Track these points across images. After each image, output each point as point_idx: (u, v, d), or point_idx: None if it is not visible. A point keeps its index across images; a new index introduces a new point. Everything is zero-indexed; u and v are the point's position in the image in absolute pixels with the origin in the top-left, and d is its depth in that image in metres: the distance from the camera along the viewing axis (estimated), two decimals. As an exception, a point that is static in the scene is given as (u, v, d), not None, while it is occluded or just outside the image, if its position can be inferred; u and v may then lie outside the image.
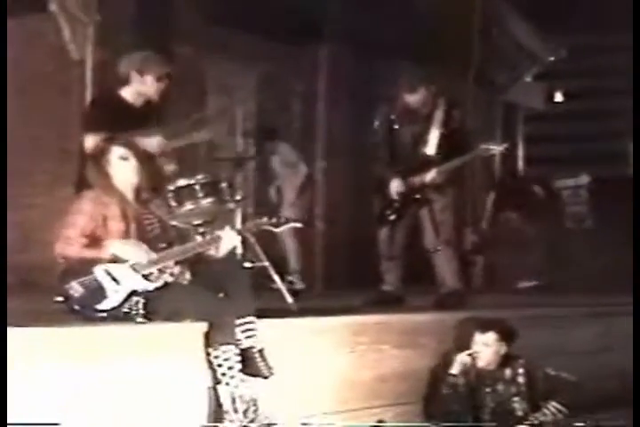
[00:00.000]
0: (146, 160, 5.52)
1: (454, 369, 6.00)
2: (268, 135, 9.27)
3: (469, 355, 6.02)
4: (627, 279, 7.61)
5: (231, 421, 5.04)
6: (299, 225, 5.76)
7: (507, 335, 6.06)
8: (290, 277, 8.47)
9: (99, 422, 4.71)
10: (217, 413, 5.10)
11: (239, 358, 5.11)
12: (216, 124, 8.02)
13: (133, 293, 5.14)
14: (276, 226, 5.57)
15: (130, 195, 5.43)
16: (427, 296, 7.51)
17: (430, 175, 7.23)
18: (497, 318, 6.28)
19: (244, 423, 5.03)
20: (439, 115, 7.31)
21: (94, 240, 5.21)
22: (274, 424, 5.14)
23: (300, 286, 8.64)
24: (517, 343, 6.12)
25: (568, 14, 12.39)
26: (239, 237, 5.56)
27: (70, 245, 5.18)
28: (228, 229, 5.53)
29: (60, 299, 5.12)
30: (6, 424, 4.19)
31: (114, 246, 5.18)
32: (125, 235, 5.27)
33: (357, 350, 6.00)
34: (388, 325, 6.33)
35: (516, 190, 12.67)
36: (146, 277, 5.19)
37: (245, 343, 5.17)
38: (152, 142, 6.20)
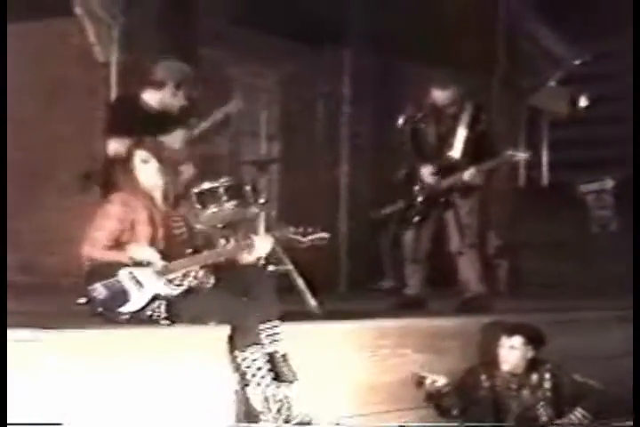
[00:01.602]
0: (169, 163, 5.51)
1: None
2: None
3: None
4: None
5: (265, 421, 5.05)
6: (326, 235, 5.63)
7: (534, 339, 6.02)
8: None
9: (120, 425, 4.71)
10: (248, 414, 5.10)
11: (267, 358, 5.11)
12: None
13: (156, 296, 5.14)
14: (304, 236, 5.55)
15: (158, 197, 5.43)
16: (449, 300, 7.49)
17: (469, 173, 7.20)
18: (524, 322, 6.25)
19: (279, 423, 5.04)
20: (466, 117, 7.28)
21: (118, 244, 5.22)
22: (309, 422, 5.13)
23: None
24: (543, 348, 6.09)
25: (593, 18, 12.33)
26: (272, 244, 5.50)
27: (95, 247, 5.19)
28: (262, 234, 5.54)
29: (83, 300, 5.13)
30: (6, 424, 4.17)
31: (132, 250, 5.19)
32: (153, 239, 5.27)
33: (379, 353, 5.98)
34: (411, 329, 6.30)
35: (541, 195, 12.63)
36: (170, 281, 5.19)
37: (269, 348, 5.15)
38: (175, 139, 6.20)
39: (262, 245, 5.41)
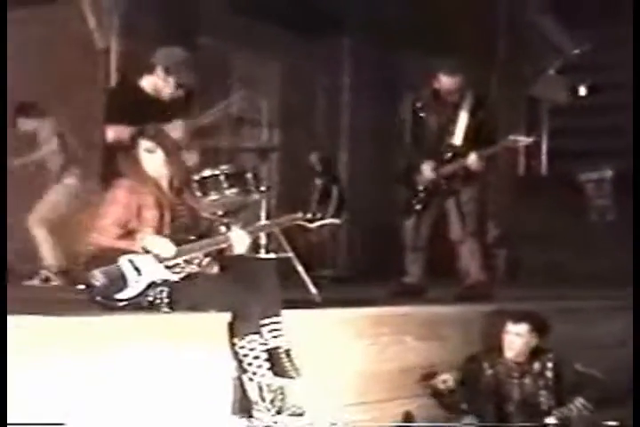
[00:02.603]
0: (175, 151, 5.49)
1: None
2: None
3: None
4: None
5: (259, 410, 5.04)
6: (337, 222, 5.60)
7: (539, 327, 6.04)
8: None
9: (119, 410, 4.70)
10: (243, 402, 5.10)
11: (265, 348, 5.08)
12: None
13: (153, 284, 5.11)
14: (311, 222, 5.51)
15: (164, 183, 5.41)
16: (449, 288, 7.50)
17: (471, 159, 7.20)
18: (530, 310, 6.26)
19: (272, 413, 5.02)
20: (467, 104, 7.28)
21: (128, 232, 5.20)
22: (301, 413, 5.10)
23: None
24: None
25: (593, 7, 12.31)
26: (250, 237, 5.39)
27: (103, 235, 5.18)
28: (236, 229, 5.44)
29: (82, 287, 5.11)
30: (6, 424, 4.15)
31: (146, 240, 5.16)
32: (159, 225, 5.25)
33: (379, 341, 5.99)
34: (411, 316, 6.31)
35: (540, 183, 12.63)
36: (169, 268, 5.16)
37: (272, 343, 5.11)
38: (175, 128, 6.18)
39: (239, 240, 5.31)
